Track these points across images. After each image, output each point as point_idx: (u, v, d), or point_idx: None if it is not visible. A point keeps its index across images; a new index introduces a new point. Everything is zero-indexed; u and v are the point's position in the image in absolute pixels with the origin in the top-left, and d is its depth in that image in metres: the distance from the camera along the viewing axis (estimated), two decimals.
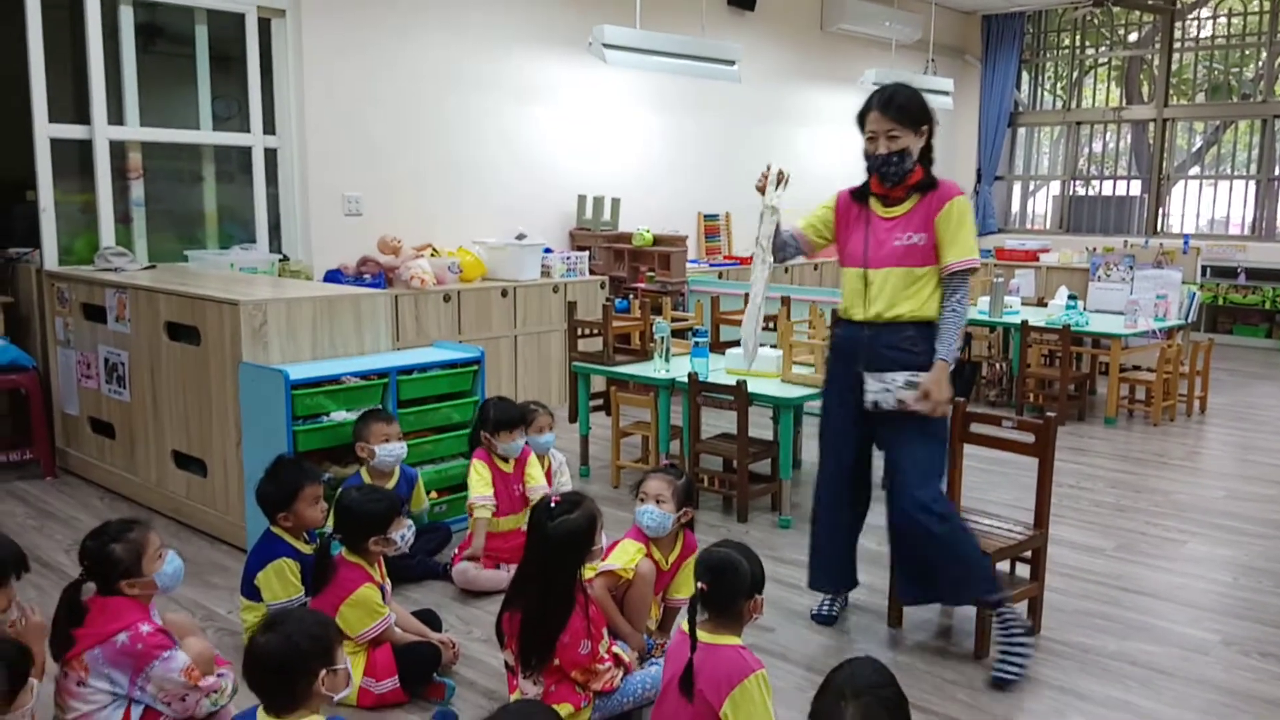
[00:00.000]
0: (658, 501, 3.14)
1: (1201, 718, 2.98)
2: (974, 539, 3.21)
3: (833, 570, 3.56)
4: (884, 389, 3.20)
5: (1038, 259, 9.95)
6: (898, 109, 3.17)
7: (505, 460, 4.02)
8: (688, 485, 3.25)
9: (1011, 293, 7.65)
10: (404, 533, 3.19)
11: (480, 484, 3.93)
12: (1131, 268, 7.88)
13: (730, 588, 2.51)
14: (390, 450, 3.84)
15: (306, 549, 3.31)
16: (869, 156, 3.24)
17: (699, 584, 2.51)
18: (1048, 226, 11.99)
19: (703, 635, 2.51)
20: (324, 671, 2.18)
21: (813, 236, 3.50)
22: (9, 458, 5.28)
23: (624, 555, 3.12)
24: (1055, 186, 12.04)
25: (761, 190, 3.44)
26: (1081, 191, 11.82)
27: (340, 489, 3.37)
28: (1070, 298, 7.20)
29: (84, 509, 4.74)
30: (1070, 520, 4.66)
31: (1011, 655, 3.18)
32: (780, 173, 3.44)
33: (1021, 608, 3.39)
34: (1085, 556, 4.25)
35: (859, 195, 3.37)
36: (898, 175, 3.21)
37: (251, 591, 3.27)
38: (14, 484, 5.12)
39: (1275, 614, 3.72)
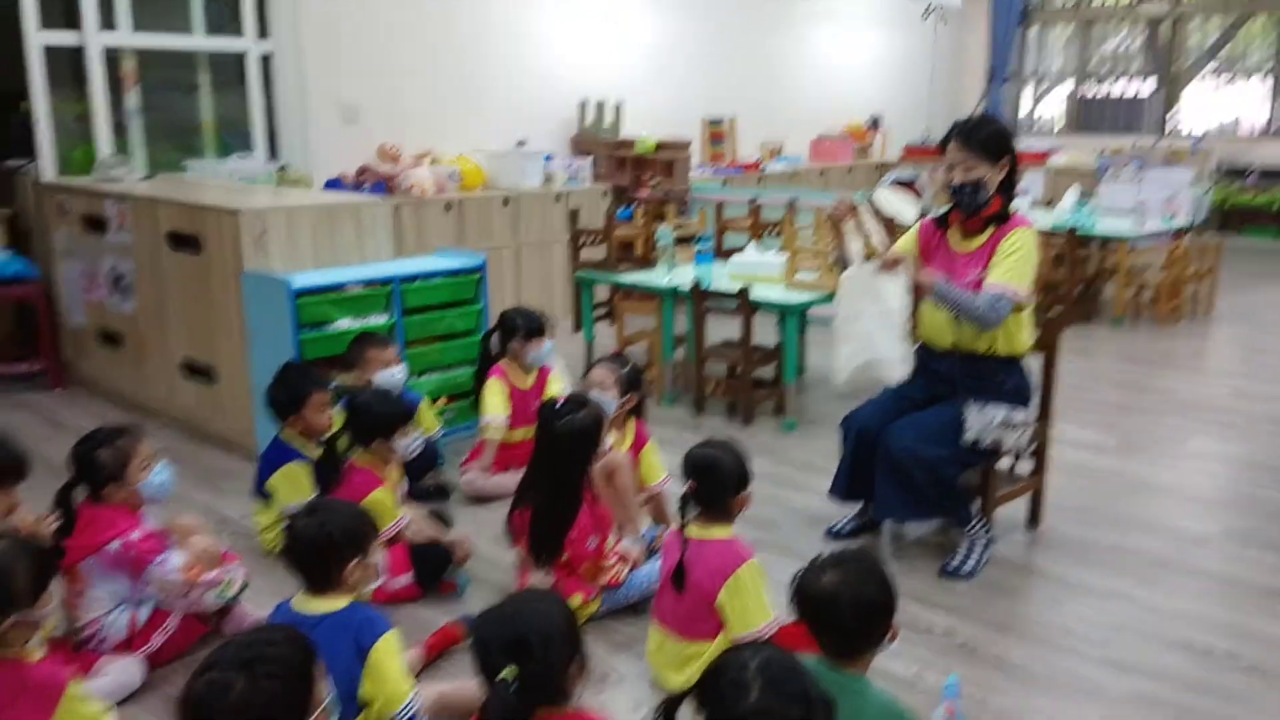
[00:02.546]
0: (601, 388, 3.27)
1: (1198, 606, 3.05)
2: (955, 471, 3.22)
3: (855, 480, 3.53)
4: (985, 425, 3.16)
5: (1046, 160, 9.81)
6: (975, 141, 3.12)
7: (526, 374, 4.01)
8: (632, 373, 3.39)
9: (1020, 194, 7.56)
10: (409, 441, 3.22)
11: (496, 403, 3.89)
12: (1141, 168, 7.77)
13: (717, 484, 2.58)
14: (390, 375, 3.74)
15: (315, 453, 3.35)
16: (948, 185, 3.21)
17: (687, 482, 2.57)
18: (1058, 128, 11.79)
19: (695, 530, 2.58)
20: (355, 560, 2.23)
21: None
22: (18, 370, 5.31)
23: None
24: (1066, 88, 11.80)
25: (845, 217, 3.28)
26: (1092, 92, 11.59)
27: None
28: (1080, 199, 7.12)
29: (94, 420, 4.76)
30: (1074, 419, 4.68)
31: (969, 557, 3.25)
32: (853, 207, 3.28)
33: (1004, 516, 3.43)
34: (1087, 454, 4.29)
35: (941, 222, 3.32)
36: (971, 206, 3.16)
37: (264, 495, 3.33)
38: (24, 395, 5.17)
39: (1277, 507, 3.76)
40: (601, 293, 5.80)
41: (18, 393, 5.20)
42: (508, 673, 1.68)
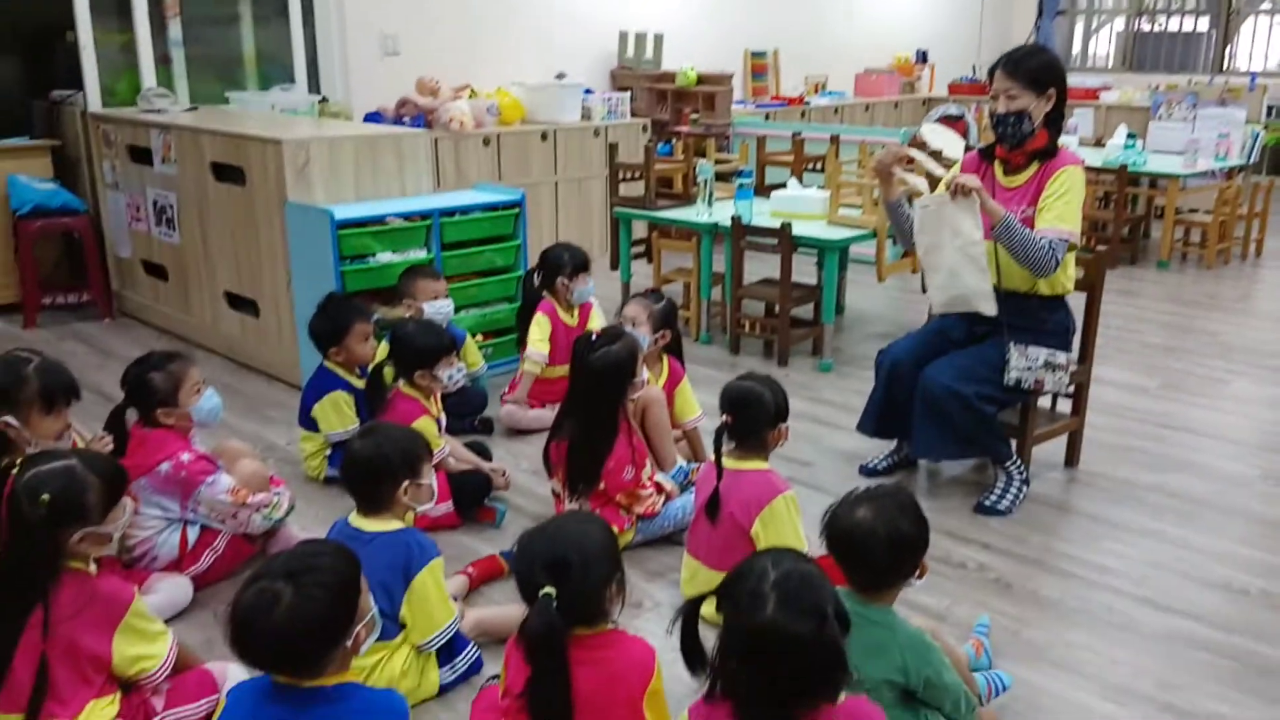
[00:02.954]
0: (634, 324, 3.29)
1: (1236, 546, 3.03)
2: (994, 410, 3.19)
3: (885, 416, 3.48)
4: (1026, 367, 3.11)
5: (1097, 97, 9.56)
6: (1022, 70, 3.04)
7: (570, 310, 4.03)
8: (666, 309, 3.41)
9: (1068, 132, 7.40)
10: (452, 372, 3.26)
11: (538, 337, 3.90)
12: (1194, 106, 7.56)
13: (754, 417, 2.59)
14: (439, 307, 3.78)
15: (359, 383, 3.40)
16: (991, 114, 3.12)
17: (723, 415, 2.59)
18: (1110, 65, 11.47)
19: (730, 462, 2.61)
20: (407, 482, 2.28)
21: None
22: (68, 300, 5.41)
23: None
24: (1119, 23, 11.45)
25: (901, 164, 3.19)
26: (1146, 28, 11.24)
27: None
28: (1129, 137, 6.95)
29: (142, 349, 4.82)
30: (1116, 361, 4.63)
31: (1006, 494, 3.24)
32: (903, 156, 3.18)
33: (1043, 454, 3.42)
34: (1129, 395, 4.25)
35: (986, 156, 3.24)
36: (1015, 137, 3.08)
37: (309, 423, 3.40)
38: (74, 325, 5.28)
39: None
40: (639, 230, 5.77)
41: (68, 322, 5.32)
42: (548, 590, 1.71)
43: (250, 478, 2.81)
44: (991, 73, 3.13)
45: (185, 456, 2.66)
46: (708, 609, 1.67)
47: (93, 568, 2.07)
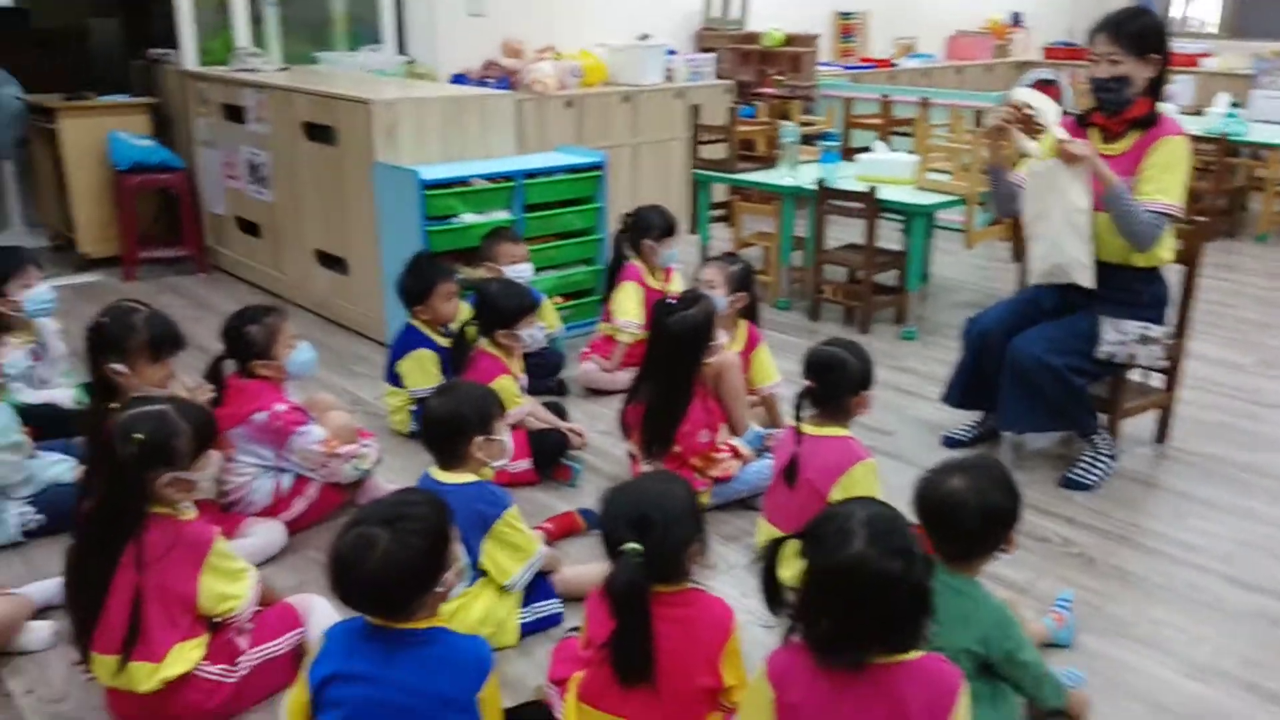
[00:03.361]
0: (710, 287, 3.27)
1: None
2: (1084, 383, 3.12)
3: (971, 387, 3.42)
4: (1120, 341, 3.05)
5: (1197, 64, 9.18)
6: (1124, 34, 2.93)
7: (653, 273, 4.03)
8: (743, 272, 3.37)
9: (1166, 99, 7.13)
10: (533, 331, 3.31)
11: (632, 308, 3.90)
12: None
13: (836, 383, 2.57)
14: (518, 271, 3.80)
15: (443, 341, 3.48)
16: (1091, 79, 3.02)
17: (805, 380, 2.57)
18: (1211, 30, 10.99)
19: (809, 428, 2.59)
20: (481, 438, 2.34)
21: None
22: (164, 254, 5.60)
23: None
24: None
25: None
26: None
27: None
28: (1231, 105, 6.68)
29: (236, 303, 4.95)
30: (1211, 336, 4.49)
31: (1094, 468, 3.18)
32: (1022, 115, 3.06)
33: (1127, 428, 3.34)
34: (1223, 371, 4.13)
35: (1082, 122, 3.14)
36: (1115, 104, 2.98)
37: (394, 378, 3.49)
38: (171, 279, 5.47)
39: None
40: (718, 193, 5.74)
41: (165, 276, 5.51)
42: (632, 546, 1.75)
43: (340, 429, 2.90)
44: (1092, 36, 3.02)
45: (279, 407, 2.76)
46: (785, 571, 1.68)
47: (192, 512, 2.16)
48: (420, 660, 1.70)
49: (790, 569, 1.66)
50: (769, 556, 1.68)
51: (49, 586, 2.46)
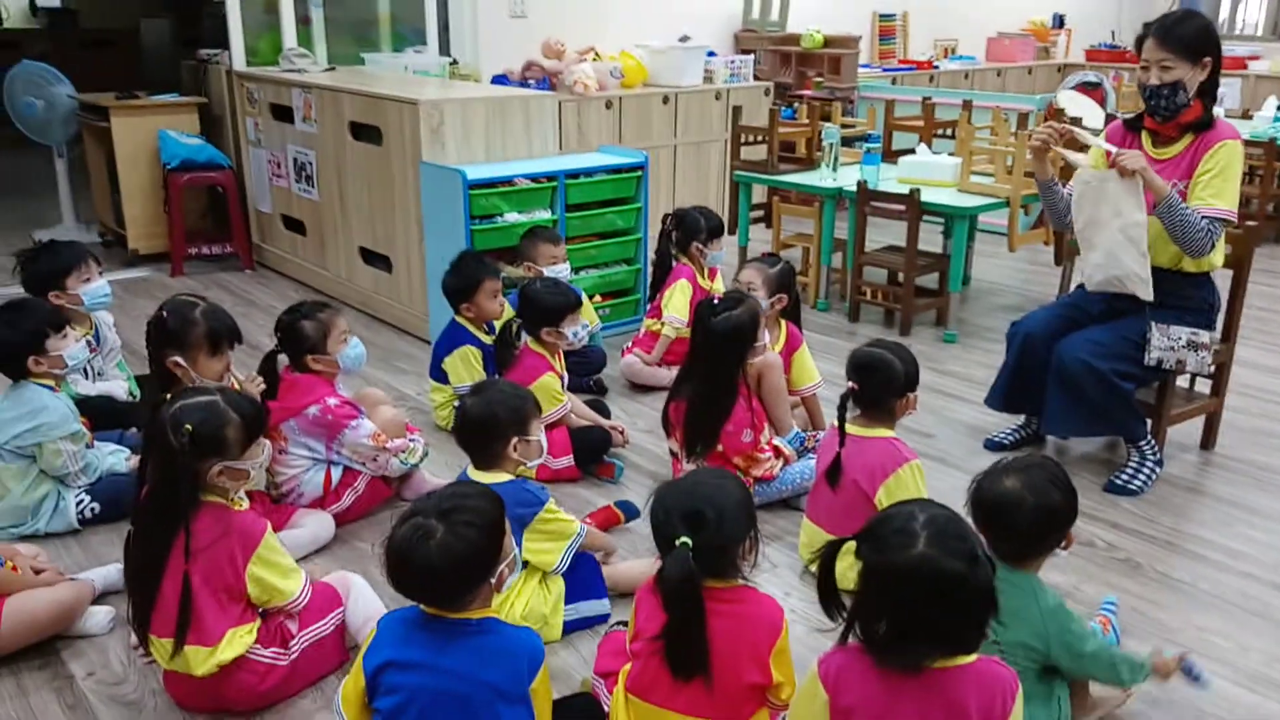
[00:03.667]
0: (750, 288, 3.27)
1: None
2: (1131, 388, 3.10)
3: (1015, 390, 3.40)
4: (1169, 347, 3.04)
5: (1246, 67, 9.06)
6: (1175, 38, 2.90)
7: (701, 273, 4.06)
8: (782, 273, 3.37)
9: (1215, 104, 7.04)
10: (577, 329, 3.34)
11: (681, 304, 3.93)
12: None
13: (881, 385, 2.58)
14: (557, 271, 3.82)
15: (487, 339, 3.52)
16: (1141, 86, 3.00)
17: (850, 383, 2.58)
18: (1260, 32, 10.83)
19: (854, 429, 2.60)
20: (516, 439, 2.36)
21: None
22: (211, 250, 5.70)
23: None
24: None
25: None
26: None
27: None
28: (1279, 109, 6.59)
29: (282, 299, 5.10)
30: (1257, 342, 4.44)
31: (1139, 474, 3.17)
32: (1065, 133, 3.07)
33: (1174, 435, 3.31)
34: (1270, 378, 4.08)
35: (1132, 126, 3.13)
36: (1169, 110, 2.96)
37: (439, 375, 3.53)
38: (217, 275, 5.56)
39: None
40: (757, 195, 5.75)
41: (211, 272, 5.60)
42: (685, 540, 1.76)
43: (388, 424, 2.95)
44: (1140, 41, 3.00)
45: (331, 401, 2.81)
46: (841, 567, 1.69)
47: (244, 502, 2.21)
48: (474, 649, 1.73)
49: (843, 570, 1.67)
50: (826, 558, 1.69)
51: (109, 572, 2.53)
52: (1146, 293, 3.02)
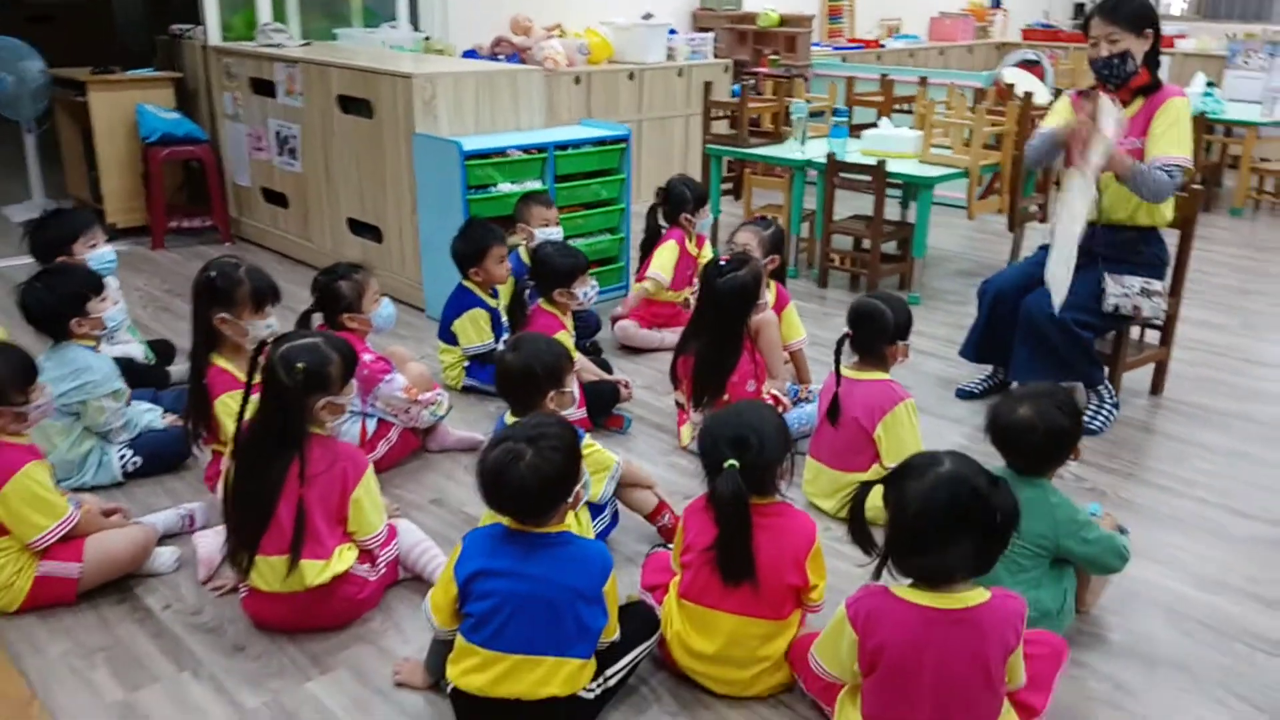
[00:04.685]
0: (746, 249, 3.51)
1: None
2: (1091, 336, 3.40)
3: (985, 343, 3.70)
4: (1124, 294, 3.34)
5: (1173, 45, 9.53)
6: (1120, 15, 3.24)
7: (690, 240, 4.27)
8: (775, 235, 3.65)
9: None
10: (587, 290, 3.54)
11: (665, 262, 4.14)
12: (1273, 54, 7.56)
13: (874, 332, 2.85)
14: (549, 233, 3.99)
15: (493, 302, 3.70)
16: (1092, 61, 3.32)
17: (846, 330, 2.85)
18: (1185, 11, 11.37)
19: (850, 373, 2.88)
20: (553, 391, 2.55)
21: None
22: (190, 224, 5.75)
23: None
24: None
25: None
26: None
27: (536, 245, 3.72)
28: (1208, 85, 7.02)
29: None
30: (1194, 301, 4.81)
31: (1098, 415, 3.49)
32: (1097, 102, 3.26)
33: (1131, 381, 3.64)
34: (1208, 332, 4.45)
35: (1086, 96, 3.40)
36: (1120, 77, 3.29)
37: (449, 337, 3.70)
38: (197, 248, 5.62)
39: None
40: (724, 168, 5.97)
41: (191, 245, 5.66)
42: (733, 462, 2.00)
43: (418, 379, 3.13)
44: (1087, 21, 3.35)
45: (367, 357, 2.97)
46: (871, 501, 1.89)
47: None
48: (555, 558, 1.95)
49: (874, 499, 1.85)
50: (858, 499, 1.88)
51: (167, 516, 2.70)
52: (1057, 300, 3.27)
